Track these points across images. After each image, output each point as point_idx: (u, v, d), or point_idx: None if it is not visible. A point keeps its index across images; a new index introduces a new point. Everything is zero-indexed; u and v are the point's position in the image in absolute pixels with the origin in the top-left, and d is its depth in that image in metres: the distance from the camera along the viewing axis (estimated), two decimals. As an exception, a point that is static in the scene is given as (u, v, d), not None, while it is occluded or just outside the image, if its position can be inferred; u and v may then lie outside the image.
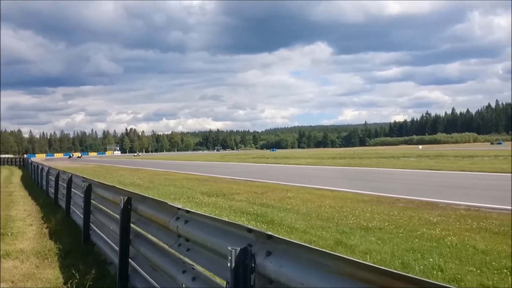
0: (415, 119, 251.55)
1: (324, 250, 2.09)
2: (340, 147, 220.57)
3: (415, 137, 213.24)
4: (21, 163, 47.92)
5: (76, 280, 4.96)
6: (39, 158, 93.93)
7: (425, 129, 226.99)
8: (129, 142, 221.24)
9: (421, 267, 5.38)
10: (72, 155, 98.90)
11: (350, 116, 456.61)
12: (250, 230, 2.64)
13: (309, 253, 2.16)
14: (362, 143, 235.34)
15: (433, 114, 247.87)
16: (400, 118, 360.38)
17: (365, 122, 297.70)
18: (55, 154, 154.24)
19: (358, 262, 1.85)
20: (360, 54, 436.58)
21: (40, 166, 19.12)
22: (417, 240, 6.77)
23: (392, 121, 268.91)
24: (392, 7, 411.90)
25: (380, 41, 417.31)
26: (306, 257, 2.16)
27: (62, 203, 10.96)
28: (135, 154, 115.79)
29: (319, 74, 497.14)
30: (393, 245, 6.50)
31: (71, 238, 7.75)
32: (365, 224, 8.06)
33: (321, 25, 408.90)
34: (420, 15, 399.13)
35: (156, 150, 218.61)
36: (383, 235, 7.17)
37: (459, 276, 5.05)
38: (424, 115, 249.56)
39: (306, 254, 2.17)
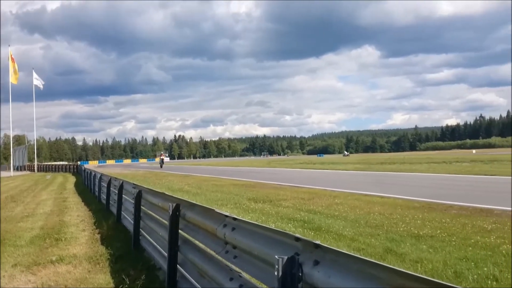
0: (468, 123, 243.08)
1: (375, 261, 2.02)
2: (389, 152, 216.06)
3: (468, 141, 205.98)
4: (75, 170, 49.59)
5: (126, 286, 5.07)
6: (92, 165, 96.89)
7: (479, 132, 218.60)
8: (178, 149, 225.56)
9: (475, 276, 5.16)
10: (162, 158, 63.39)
11: (399, 120, 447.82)
12: (297, 239, 2.61)
13: (359, 264, 2.10)
14: (413, 148, 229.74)
15: (487, 117, 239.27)
16: (452, 121, 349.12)
17: (416, 126, 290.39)
18: (107, 161, 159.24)
19: (410, 274, 1.78)
20: (410, 56, 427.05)
21: (93, 173, 19.70)
22: (470, 248, 6.51)
23: (444, 125, 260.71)
24: (444, 8, 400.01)
25: (431, 43, 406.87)
26: (355, 267, 2.10)
27: (114, 209, 11.26)
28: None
29: (367, 78, 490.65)
30: (445, 253, 6.28)
31: (121, 243, 7.94)
32: (416, 231, 7.83)
33: (368, 29, 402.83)
34: (473, 16, 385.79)
35: (203, 156, 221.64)
36: (435, 243, 6.94)
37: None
38: (478, 118, 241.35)
39: (356, 264, 2.11)
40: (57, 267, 6.59)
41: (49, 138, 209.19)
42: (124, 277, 5.43)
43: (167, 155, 63.24)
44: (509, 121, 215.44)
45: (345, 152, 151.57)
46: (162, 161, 57.67)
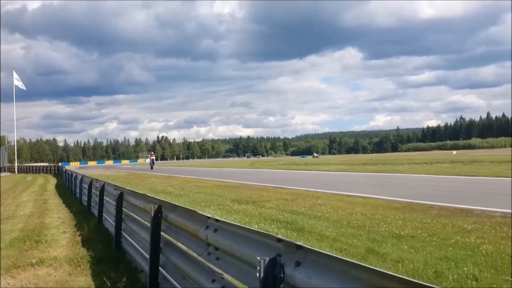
0: (448, 124, 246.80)
1: (356, 261, 2.03)
2: (372, 153, 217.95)
3: (449, 142, 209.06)
4: (56, 171, 48.96)
5: (108, 288, 5.02)
6: (73, 166, 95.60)
7: (459, 134, 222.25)
8: (161, 150, 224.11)
9: (455, 276, 5.22)
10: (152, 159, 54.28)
11: (381, 121, 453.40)
12: (279, 240, 2.60)
13: (340, 264, 2.10)
14: (394, 149, 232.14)
15: (467, 118, 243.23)
16: (433, 123, 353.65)
17: (397, 127, 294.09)
18: (89, 162, 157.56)
19: (391, 275, 1.79)
20: (392, 58, 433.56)
21: (74, 174, 19.50)
22: (451, 248, 6.60)
23: (425, 126, 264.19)
24: (425, 11, 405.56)
25: (412, 46, 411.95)
26: (337, 268, 2.11)
27: (95, 211, 11.14)
28: None
29: (350, 79, 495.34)
30: (426, 253, 6.35)
31: (103, 245, 7.85)
32: (397, 232, 7.90)
33: (351, 31, 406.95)
34: (454, 19, 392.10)
35: (187, 157, 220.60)
36: (415, 243, 7.01)
37: (495, 286, 4.89)
38: (458, 119, 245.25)
39: (337, 265, 2.12)
40: (37, 270, 6.49)
41: (30, 139, 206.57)
42: (105, 279, 5.37)
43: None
44: (489, 122, 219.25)
45: (315, 154, 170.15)
46: (152, 162, 53.18)
